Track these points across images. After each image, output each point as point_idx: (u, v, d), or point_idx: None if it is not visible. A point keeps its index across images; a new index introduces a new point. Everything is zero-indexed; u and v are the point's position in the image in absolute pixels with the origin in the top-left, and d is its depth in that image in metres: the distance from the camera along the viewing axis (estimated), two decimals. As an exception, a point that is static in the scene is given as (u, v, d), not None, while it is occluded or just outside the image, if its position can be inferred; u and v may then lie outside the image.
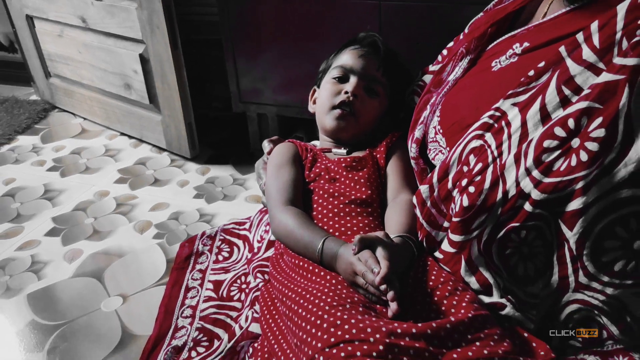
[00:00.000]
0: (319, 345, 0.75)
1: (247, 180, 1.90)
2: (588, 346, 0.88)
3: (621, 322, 0.85)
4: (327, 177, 1.19)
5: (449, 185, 0.96)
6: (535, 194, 0.83)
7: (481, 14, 1.19)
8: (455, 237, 0.93)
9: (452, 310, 0.86)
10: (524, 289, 0.90)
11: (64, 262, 1.50)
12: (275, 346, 0.93)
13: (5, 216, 1.73)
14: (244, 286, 1.29)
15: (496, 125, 0.91)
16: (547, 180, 0.82)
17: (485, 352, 0.76)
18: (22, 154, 2.15)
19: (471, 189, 0.90)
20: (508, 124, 0.89)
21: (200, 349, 1.13)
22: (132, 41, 1.96)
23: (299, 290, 0.93)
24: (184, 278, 1.38)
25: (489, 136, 0.91)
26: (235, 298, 1.27)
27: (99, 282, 1.41)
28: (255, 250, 1.36)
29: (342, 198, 1.14)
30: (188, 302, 1.29)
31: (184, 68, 1.90)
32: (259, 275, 1.21)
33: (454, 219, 0.93)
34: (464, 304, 0.86)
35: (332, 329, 0.77)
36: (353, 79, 1.27)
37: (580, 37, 0.84)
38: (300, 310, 0.87)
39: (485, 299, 0.91)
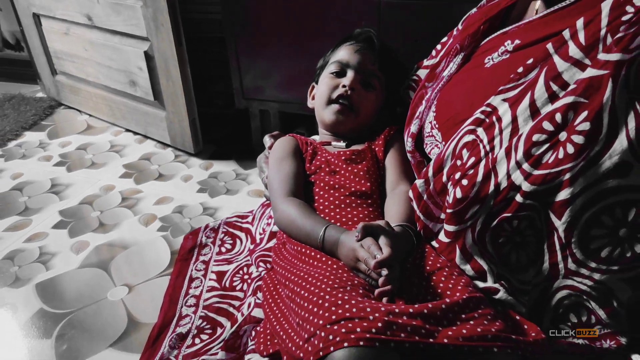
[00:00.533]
0: (321, 322, 0.79)
1: (249, 175, 1.94)
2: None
3: (608, 307, 0.88)
4: (327, 169, 1.23)
5: (444, 178, 0.99)
6: (526, 186, 0.87)
7: (475, 9, 1.22)
8: (450, 228, 0.97)
9: (448, 293, 0.89)
10: (517, 277, 0.94)
11: (71, 253, 1.54)
12: (277, 327, 0.97)
13: (14, 209, 1.77)
14: (246, 277, 1.33)
15: (487, 120, 0.94)
16: (536, 172, 0.86)
17: (479, 330, 0.80)
18: (29, 150, 2.19)
19: (464, 181, 0.93)
20: (499, 119, 0.92)
21: (204, 336, 1.17)
22: (137, 39, 1.99)
23: (302, 274, 0.97)
24: (187, 269, 1.41)
25: (480, 131, 0.94)
26: (238, 288, 1.31)
27: (105, 272, 1.45)
28: (258, 241, 1.40)
29: (342, 190, 1.18)
30: (192, 292, 1.32)
31: (188, 65, 1.93)
32: (261, 264, 1.25)
33: (448, 210, 0.96)
34: (459, 287, 0.90)
35: (333, 308, 0.80)
36: (350, 73, 1.30)
37: (566, 34, 0.87)
38: (302, 292, 0.91)
39: (480, 284, 0.95)
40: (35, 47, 2.52)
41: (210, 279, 1.36)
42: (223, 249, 1.47)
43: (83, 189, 1.88)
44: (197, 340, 1.16)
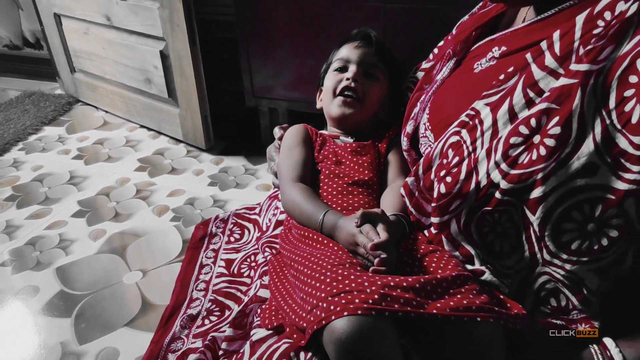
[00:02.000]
0: (323, 295, 0.88)
1: (258, 170, 2.04)
2: (556, 313, 0.99)
3: (579, 294, 0.95)
4: (333, 159, 1.32)
5: (432, 176, 1.07)
6: (504, 184, 0.94)
7: (467, 16, 1.29)
8: (436, 220, 1.05)
9: (439, 271, 0.98)
10: (501, 262, 1.02)
11: (89, 240, 1.64)
12: (282, 302, 1.06)
13: (35, 199, 1.88)
14: (253, 264, 1.41)
15: (471, 123, 1.02)
16: (513, 172, 0.93)
17: (465, 302, 0.88)
18: (49, 144, 2.30)
19: (448, 179, 1.01)
20: (481, 122, 1.00)
21: (213, 318, 1.26)
22: (153, 38, 2.08)
23: (305, 254, 1.07)
24: (198, 256, 1.51)
25: (464, 133, 1.02)
26: (245, 274, 1.40)
27: (121, 258, 1.55)
28: (264, 229, 1.49)
29: (346, 179, 1.27)
30: (202, 277, 1.41)
31: (202, 64, 2.02)
32: (267, 249, 1.34)
33: (433, 204, 1.05)
34: (449, 267, 0.99)
35: (334, 283, 0.89)
36: (352, 67, 1.39)
37: (544, 45, 0.94)
38: (306, 270, 1.00)
39: (468, 267, 1.03)
40: (55, 46, 2.62)
41: (219, 266, 1.44)
42: (232, 239, 1.56)
43: (100, 181, 1.98)
44: (206, 321, 1.26)
